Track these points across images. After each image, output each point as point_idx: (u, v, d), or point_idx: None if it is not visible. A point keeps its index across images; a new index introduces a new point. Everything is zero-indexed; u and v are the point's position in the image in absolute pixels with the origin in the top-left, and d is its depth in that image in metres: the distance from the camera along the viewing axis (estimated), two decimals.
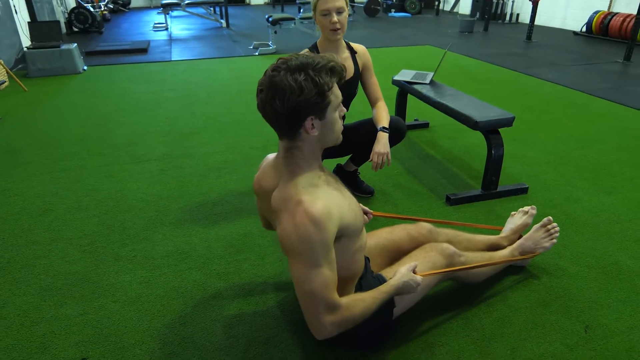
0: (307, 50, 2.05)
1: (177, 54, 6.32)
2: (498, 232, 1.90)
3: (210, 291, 1.73)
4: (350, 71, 2.12)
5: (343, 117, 1.22)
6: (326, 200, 1.12)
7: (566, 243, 1.99)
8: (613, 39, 6.98)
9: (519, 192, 2.42)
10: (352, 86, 2.15)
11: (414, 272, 1.36)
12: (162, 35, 7.97)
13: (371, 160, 2.04)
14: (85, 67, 5.41)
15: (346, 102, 2.15)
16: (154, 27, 8.87)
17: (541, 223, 1.78)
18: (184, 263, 1.90)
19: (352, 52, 2.13)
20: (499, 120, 2.25)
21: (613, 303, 1.66)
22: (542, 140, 3.15)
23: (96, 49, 6.40)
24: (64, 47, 5.08)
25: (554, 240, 1.76)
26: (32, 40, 5.18)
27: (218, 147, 3.10)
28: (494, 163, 2.30)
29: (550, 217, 1.77)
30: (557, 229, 1.76)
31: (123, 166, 2.82)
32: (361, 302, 1.21)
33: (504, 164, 2.53)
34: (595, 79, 4.80)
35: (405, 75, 3.02)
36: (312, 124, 1.11)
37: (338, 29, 1.94)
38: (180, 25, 9.23)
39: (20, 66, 5.41)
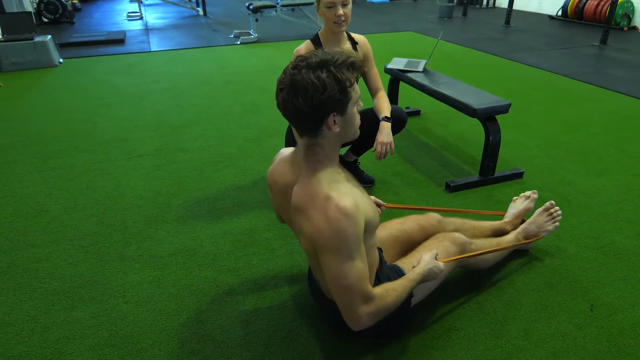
0: (308, 41, 2.03)
1: (156, 44, 6.16)
2: (501, 217, 1.95)
3: (223, 287, 1.73)
4: None
5: None
6: (352, 194, 1.14)
7: (564, 225, 2.06)
8: (588, 23, 7.14)
9: (515, 177, 2.48)
10: None
11: (435, 259, 1.40)
12: (137, 25, 7.74)
13: (374, 150, 2.05)
14: (61, 60, 5.22)
15: None
16: (127, 16, 8.60)
17: (543, 207, 1.83)
18: (193, 260, 1.88)
19: (353, 42, 2.12)
20: (496, 107, 2.29)
21: (614, 281, 1.73)
22: (531, 125, 3.22)
23: (70, 40, 6.16)
24: (38, 39, 4.88)
25: (557, 224, 1.82)
26: (3, 33, 4.95)
27: (211, 140, 3.05)
28: (491, 149, 2.34)
29: (553, 202, 1.83)
30: (560, 212, 1.82)
31: (115, 163, 2.75)
32: (393, 291, 1.24)
33: None
34: (575, 62, 4.91)
35: (397, 63, 3.03)
36: (334, 121, 1.11)
37: (343, 22, 1.93)
38: (155, 14, 8.97)
39: None
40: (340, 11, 1.90)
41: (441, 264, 1.37)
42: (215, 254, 1.91)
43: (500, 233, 1.85)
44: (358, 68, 1.11)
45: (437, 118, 3.38)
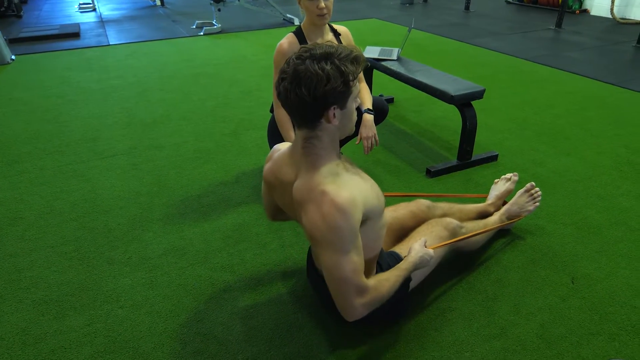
0: (291, 34, 2.01)
1: (114, 37, 5.91)
2: (484, 199, 2.03)
3: (218, 285, 1.72)
4: None
5: None
6: (349, 187, 1.14)
7: (541, 204, 2.14)
8: (542, 7, 7.41)
9: (490, 160, 2.58)
10: None
11: (425, 246, 1.44)
12: (90, 17, 7.38)
13: (357, 143, 2.07)
14: (14, 57, 4.92)
15: None
16: (79, 7, 8.18)
17: (524, 188, 1.92)
18: (184, 259, 1.85)
19: (336, 34, 2.12)
20: (472, 93, 2.37)
21: (590, 254, 1.85)
22: (500, 109, 3.34)
23: (20, 35, 5.81)
24: None
25: (537, 204, 1.91)
26: None
27: (187, 136, 2.99)
28: (468, 134, 2.42)
29: (533, 183, 1.92)
30: (540, 192, 1.91)
31: (88, 163, 2.65)
32: (386, 281, 1.27)
33: None
34: (534, 46, 5.10)
35: (371, 52, 3.05)
36: (334, 114, 1.12)
37: (325, 14, 1.93)
38: (108, 5, 8.57)
39: None
40: (322, 4, 1.89)
41: (431, 251, 1.41)
42: (207, 252, 1.89)
43: (484, 215, 1.93)
44: (361, 62, 1.11)
45: (410, 105, 3.44)
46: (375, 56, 2.96)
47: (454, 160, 2.53)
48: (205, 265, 1.82)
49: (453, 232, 1.62)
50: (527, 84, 3.86)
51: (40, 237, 2.01)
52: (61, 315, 1.59)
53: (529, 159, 2.62)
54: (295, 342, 1.47)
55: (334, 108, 1.11)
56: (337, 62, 1.07)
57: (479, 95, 2.39)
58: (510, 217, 1.90)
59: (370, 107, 2.10)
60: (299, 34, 2.02)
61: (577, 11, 7.01)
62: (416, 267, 1.38)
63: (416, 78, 2.56)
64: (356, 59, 1.10)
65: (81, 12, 7.88)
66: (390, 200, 1.88)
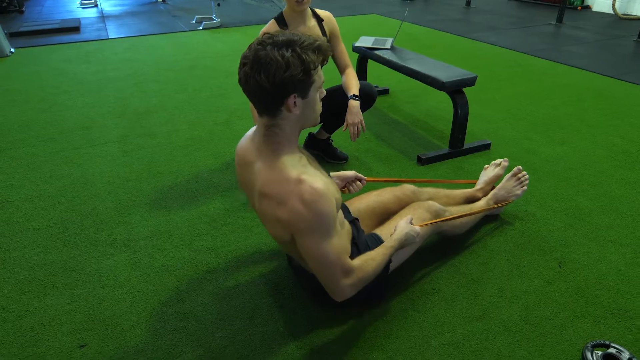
0: (273, 21, 2.00)
1: (113, 32, 5.92)
2: (473, 185, 2.01)
3: (201, 266, 1.71)
4: None
5: None
6: (319, 176, 1.15)
7: (531, 191, 2.14)
8: (543, 3, 7.36)
9: (483, 148, 2.55)
10: None
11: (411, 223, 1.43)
12: (92, 13, 7.41)
13: (344, 130, 2.05)
14: (13, 50, 4.94)
15: None
16: (81, 3, 8.20)
17: (512, 173, 1.90)
18: (169, 242, 1.85)
19: (319, 19, 2.10)
20: (463, 80, 2.35)
21: (579, 239, 1.82)
22: (495, 99, 3.32)
23: (21, 29, 5.83)
24: None
25: (525, 188, 1.89)
26: None
27: (180, 124, 2.98)
28: (460, 121, 2.40)
29: (520, 167, 1.90)
30: (527, 176, 1.89)
31: (79, 150, 2.65)
32: (372, 260, 1.27)
33: None
34: (534, 40, 5.07)
35: (365, 41, 3.04)
36: (295, 102, 1.09)
37: (303, 0, 1.91)
38: (110, 1, 8.59)
39: None
40: None
41: (417, 228, 1.41)
42: (192, 235, 1.88)
43: (472, 200, 1.91)
44: (324, 52, 1.09)
45: (405, 96, 3.42)
46: (369, 45, 2.95)
47: (445, 149, 2.51)
48: (189, 248, 1.81)
49: (436, 215, 1.60)
50: (524, 76, 3.83)
51: (27, 219, 2.01)
52: (42, 294, 1.58)
53: (522, 147, 2.59)
54: (276, 322, 1.46)
55: (294, 97, 1.08)
56: (298, 49, 1.04)
57: (470, 82, 2.37)
58: (497, 201, 1.88)
59: (357, 94, 2.09)
60: (280, 19, 2.00)
61: (579, 7, 6.96)
62: (402, 244, 1.37)
63: (408, 66, 2.55)
64: (319, 48, 1.07)
65: (83, 7, 7.91)
66: (376, 186, 1.87)
